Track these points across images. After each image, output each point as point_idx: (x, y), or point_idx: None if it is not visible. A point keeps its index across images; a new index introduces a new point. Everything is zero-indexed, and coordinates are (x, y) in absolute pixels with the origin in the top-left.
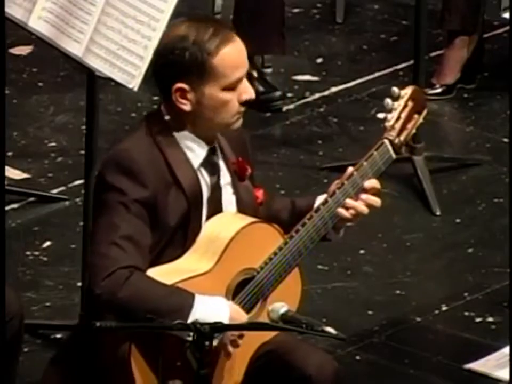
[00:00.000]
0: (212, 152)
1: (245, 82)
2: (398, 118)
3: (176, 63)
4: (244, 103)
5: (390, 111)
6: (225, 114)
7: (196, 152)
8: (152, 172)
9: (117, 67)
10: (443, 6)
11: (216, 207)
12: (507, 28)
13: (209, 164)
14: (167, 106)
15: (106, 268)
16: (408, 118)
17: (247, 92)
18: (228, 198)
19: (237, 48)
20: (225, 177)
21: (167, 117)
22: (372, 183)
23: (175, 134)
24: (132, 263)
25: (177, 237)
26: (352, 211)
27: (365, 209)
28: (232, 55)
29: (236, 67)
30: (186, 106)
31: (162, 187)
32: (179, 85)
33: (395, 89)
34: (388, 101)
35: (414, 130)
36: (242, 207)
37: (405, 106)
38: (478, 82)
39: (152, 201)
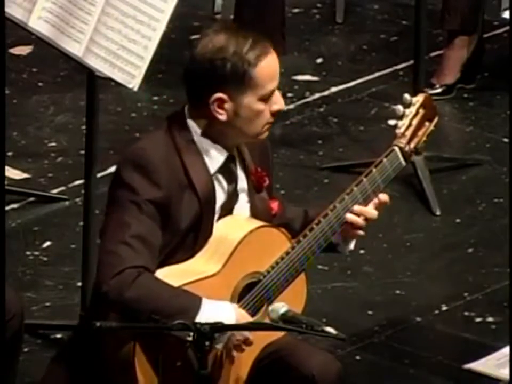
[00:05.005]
0: (230, 160)
1: (277, 93)
2: (409, 125)
3: (216, 74)
4: (274, 114)
5: (401, 118)
6: (257, 125)
7: (213, 157)
8: (167, 172)
9: (117, 67)
10: (443, 6)
11: (228, 214)
12: (507, 27)
13: (227, 171)
14: (195, 111)
15: (115, 266)
16: (419, 126)
17: (278, 102)
18: (242, 206)
19: (274, 60)
20: (242, 186)
21: (189, 120)
22: (384, 197)
23: (195, 137)
24: (141, 263)
25: (187, 240)
26: (361, 217)
27: (374, 213)
28: (270, 66)
29: (272, 78)
30: (223, 116)
31: (176, 189)
32: (219, 95)
33: (407, 96)
34: (399, 107)
35: (424, 138)
36: (255, 217)
37: (416, 113)
38: (478, 82)
39: (165, 202)
